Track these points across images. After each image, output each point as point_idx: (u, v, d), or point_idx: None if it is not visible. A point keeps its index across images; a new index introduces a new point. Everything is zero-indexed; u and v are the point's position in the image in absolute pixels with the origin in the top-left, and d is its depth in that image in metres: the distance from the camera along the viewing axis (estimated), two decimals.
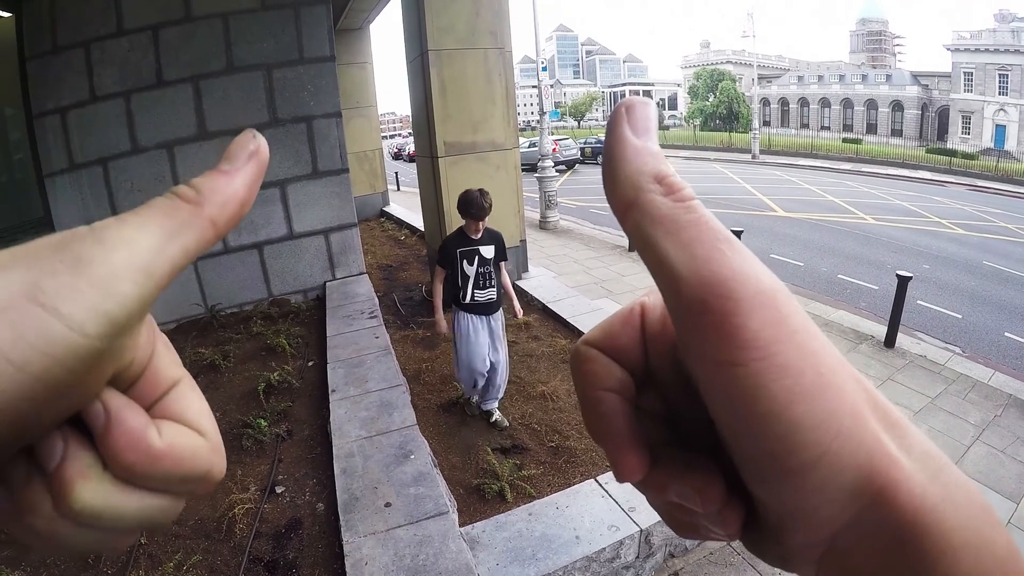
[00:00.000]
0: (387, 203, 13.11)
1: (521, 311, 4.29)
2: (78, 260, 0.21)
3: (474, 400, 4.26)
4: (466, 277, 3.84)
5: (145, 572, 2.64)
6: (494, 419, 4.19)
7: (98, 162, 5.56)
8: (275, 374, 4.47)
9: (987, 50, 45.59)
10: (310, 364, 4.90)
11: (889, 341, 6.30)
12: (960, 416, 4.94)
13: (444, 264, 3.87)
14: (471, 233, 3.80)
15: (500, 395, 4.23)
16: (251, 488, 3.26)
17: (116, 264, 0.21)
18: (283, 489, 3.30)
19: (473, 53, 6.17)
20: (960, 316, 8.14)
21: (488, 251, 3.85)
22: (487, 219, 3.78)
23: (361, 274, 6.82)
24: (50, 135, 5.38)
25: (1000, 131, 45.60)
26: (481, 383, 4.05)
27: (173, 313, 5.88)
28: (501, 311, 4.06)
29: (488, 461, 3.64)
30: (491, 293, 3.92)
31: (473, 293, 3.87)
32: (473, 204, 3.69)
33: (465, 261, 3.81)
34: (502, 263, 3.99)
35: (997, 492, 3.97)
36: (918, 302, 8.37)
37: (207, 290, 6.14)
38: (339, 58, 7.13)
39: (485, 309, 3.94)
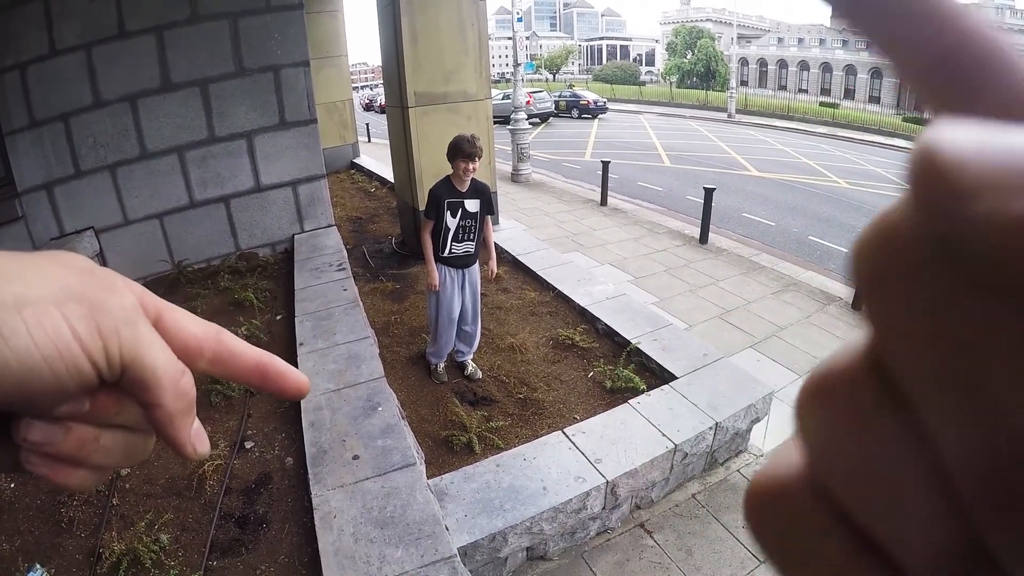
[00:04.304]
0: (357, 155, 12.87)
1: (495, 271, 4.24)
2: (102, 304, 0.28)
3: (440, 368, 4.23)
4: (447, 229, 3.77)
5: (117, 532, 2.63)
6: (468, 371, 4.22)
7: (59, 118, 5.32)
8: (243, 328, 4.42)
9: None
10: (278, 318, 4.86)
11: (856, 303, 6.41)
12: None
13: (430, 214, 3.76)
14: (458, 184, 3.72)
15: (474, 348, 4.25)
16: (220, 444, 3.25)
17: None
18: (252, 444, 3.29)
19: (446, 1, 6.00)
20: None
21: (473, 205, 3.78)
22: (478, 164, 3.69)
23: (330, 226, 6.72)
24: (9, 92, 5.13)
25: None
26: (451, 340, 4.06)
27: (139, 270, 5.74)
28: (477, 264, 4.03)
29: (456, 413, 3.67)
30: (469, 247, 3.87)
31: (451, 246, 3.82)
32: (463, 142, 3.60)
33: (449, 212, 3.73)
34: (488, 217, 3.92)
35: None
36: None
37: (173, 245, 6.00)
38: (308, 6, 6.89)
39: (461, 262, 3.90)
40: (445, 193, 3.73)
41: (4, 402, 0.26)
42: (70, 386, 0.27)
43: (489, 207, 3.90)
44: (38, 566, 2.44)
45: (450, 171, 3.76)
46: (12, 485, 2.98)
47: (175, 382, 0.30)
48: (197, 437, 0.33)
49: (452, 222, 3.76)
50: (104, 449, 0.31)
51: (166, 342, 0.32)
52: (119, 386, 0.30)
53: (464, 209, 3.76)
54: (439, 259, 3.85)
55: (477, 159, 3.66)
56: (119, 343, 0.28)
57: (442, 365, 4.22)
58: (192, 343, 0.33)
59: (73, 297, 0.27)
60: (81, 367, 0.27)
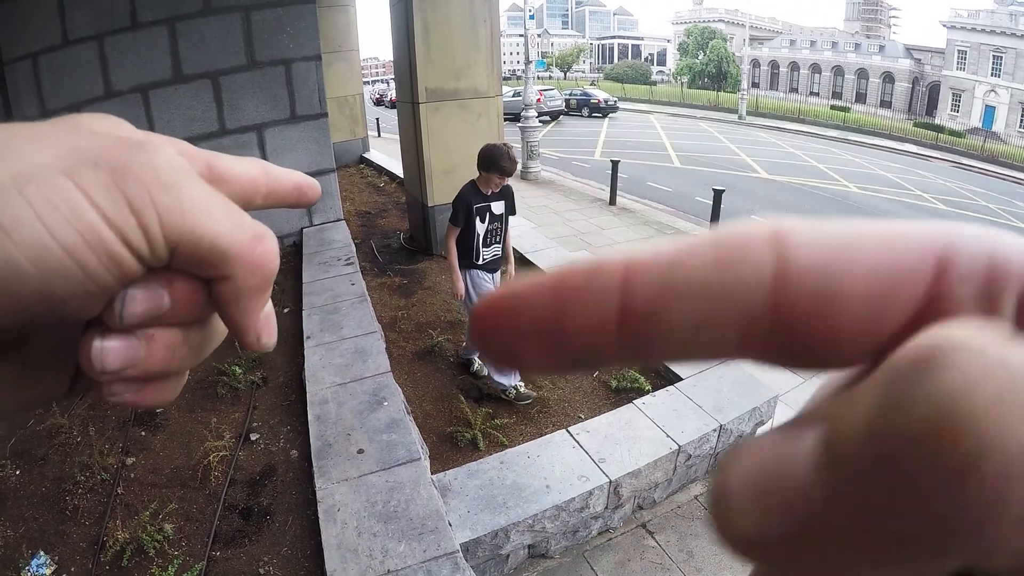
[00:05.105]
0: (367, 149, 12.89)
1: (513, 276, 4.06)
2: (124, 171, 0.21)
3: (521, 389, 3.90)
4: (477, 235, 3.66)
5: (121, 521, 2.64)
6: (475, 368, 4.19)
7: (71, 108, 5.31)
8: None
9: (983, 30, 45.52)
10: (285, 311, 4.87)
11: None
12: None
13: (458, 221, 3.60)
14: (484, 188, 3.61)
15: None
16: (226, 436, 3.26)
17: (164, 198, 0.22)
18: (257, 436, 3.30)
19: None
20: None
21: (498, 207, 3.69)
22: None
23: (339, 220, 6.73)
24: (21, 81, 5.16)
25: (989, 112, 45.86)
26: None
27: None
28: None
29: (461, 409, 3.67)
30: (497, 249, 3.81)
31: (483, 251, 3.73)
32: (503, 158, 3.45)
33: (478, 218, 3.63)
34: (509, 218, 3.84)
35: None
36: None
37: None
38: (320, 0, 6.89)
39: (494, 265, 3.82)
40: (473, 199, 3.62)
41: (28, 319, 0.20)
42: (108, 282, 0.21)
43: (512, 206, 3.84)
44: (42, 553, 2.46)
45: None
46: (18, 472, 3.00)
47: (248, 250, 0.23)
48: (265, 325, 0.26)
49: (481, 227, 3.66)
50: (193, 347, 0.26)
51: (225, 192, 0.26)
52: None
53: (491, 212, 3.68)
54: (474, 266, 3.74)
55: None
56: (156, 214, 0.21)
57: (520, 383, 3.95)
58: (249, 185, 0.28)
59: (88, 161, 0.20)
60: (116, 254, 0.20)
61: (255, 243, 0.24)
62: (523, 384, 3.89)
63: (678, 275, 0.13)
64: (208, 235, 0.22)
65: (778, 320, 0.13)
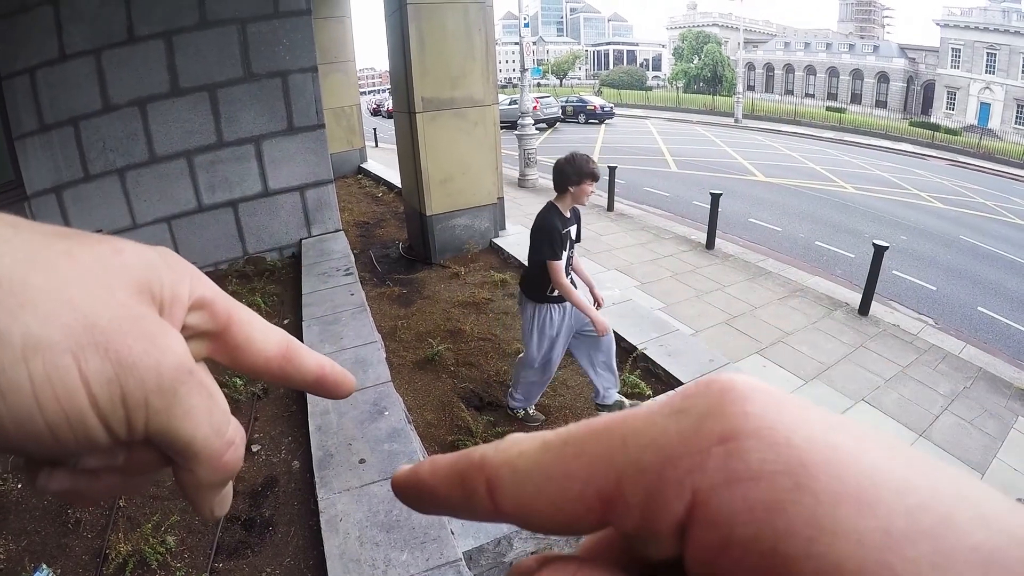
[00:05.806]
0: (364, 160, 12.91)
1: (603, 298, 3.68)
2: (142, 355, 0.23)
3: (532, 410, 3.86)
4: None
5: (124, 534, 2.63)
6: (521, 416, 3.87)
7: (69, 122, 5.37)
8: None
9: (976, 28, 45.74)
10: (285, 322, 4.87)
11: (863, 309, 6.37)
12: (930, 386, 5.03)
13: (555, 253, 3.18)
14: (565, 210, 3.25)
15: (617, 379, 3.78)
16: None
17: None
18: (259, 448, 3.30)
19: (453, 7, 6.03)
20: (935, 288, 8.25)
21: (574, 230, 3.35)
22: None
23: (337, 231, 6.74)
24: (19, 96, 5.18)
25: (984, 109, 46.05)
26: (543, 386, 3.71)
27: None
28: None
29: (462, 418, 3.67)
30: (573, 277, 3.44)
31: None
32: (587, 162, 3.13)
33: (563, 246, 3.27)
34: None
35: (963, 462, 4.08)
36: (893, 272, 8.46)
37: (181, 250, 5.93)
38: (316, 12, 6.94)
39: (562, 298, 3.41)
40: (560, 224, 3.23)
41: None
42: (75, 450, 0.22)
43: (580, 229, 3.49)
44: (44, 566, 2.45)
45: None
46: (19, 485, 3.00)
47: (216, 457, 0.25)
48: (220, 501, 0.28)
49: (564, 255, 3.26)
50: (135, 485, 0.28)
51: (232, 356, 0.28)
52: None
53: (571, 237, 3.33)
54: (546, 299, 3.38)
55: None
56: (145, 415, 0.23)
57: (533, 407, 3.87)
58: (259, 363, 0.28)
59: (98, 344, 0.21)
60: (93, 436, 0.22)
61: (225, 449, 0.26)
62: (533, 407, 3.88)
63: (442, 496, 0.21)
64: (185, 437, 0.24)
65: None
